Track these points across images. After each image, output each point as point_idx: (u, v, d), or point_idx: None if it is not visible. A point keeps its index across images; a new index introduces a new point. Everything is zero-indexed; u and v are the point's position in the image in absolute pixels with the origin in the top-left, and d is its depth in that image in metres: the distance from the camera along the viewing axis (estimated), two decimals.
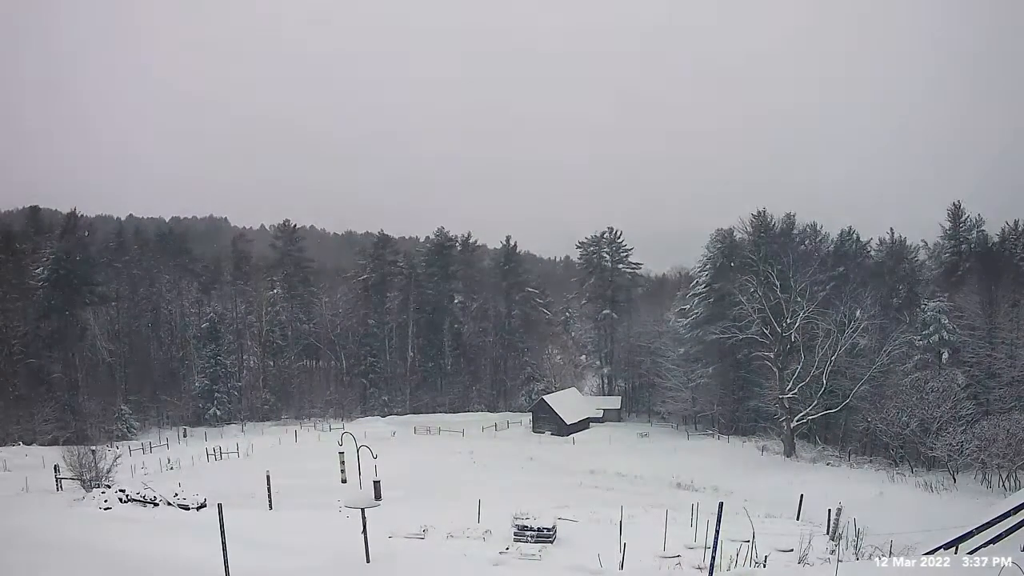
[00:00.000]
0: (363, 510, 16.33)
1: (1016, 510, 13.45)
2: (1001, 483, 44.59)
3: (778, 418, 62.37)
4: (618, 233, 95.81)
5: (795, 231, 79.30)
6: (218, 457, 53.67)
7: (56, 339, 71.56)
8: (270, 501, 30.63)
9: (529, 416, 77.28)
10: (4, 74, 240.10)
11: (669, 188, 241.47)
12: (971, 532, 13.82)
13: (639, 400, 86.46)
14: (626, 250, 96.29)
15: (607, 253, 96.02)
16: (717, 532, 12.72)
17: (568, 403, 76.85)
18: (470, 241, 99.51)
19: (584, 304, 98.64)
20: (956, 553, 13.50)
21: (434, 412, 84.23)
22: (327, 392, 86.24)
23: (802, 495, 29.63)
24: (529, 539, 21.68)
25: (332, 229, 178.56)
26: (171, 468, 47.43)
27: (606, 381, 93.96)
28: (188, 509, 26.08)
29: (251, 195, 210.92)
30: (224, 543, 12.54)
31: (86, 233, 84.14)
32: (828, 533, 24.56)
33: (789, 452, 59.84)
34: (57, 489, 33.02)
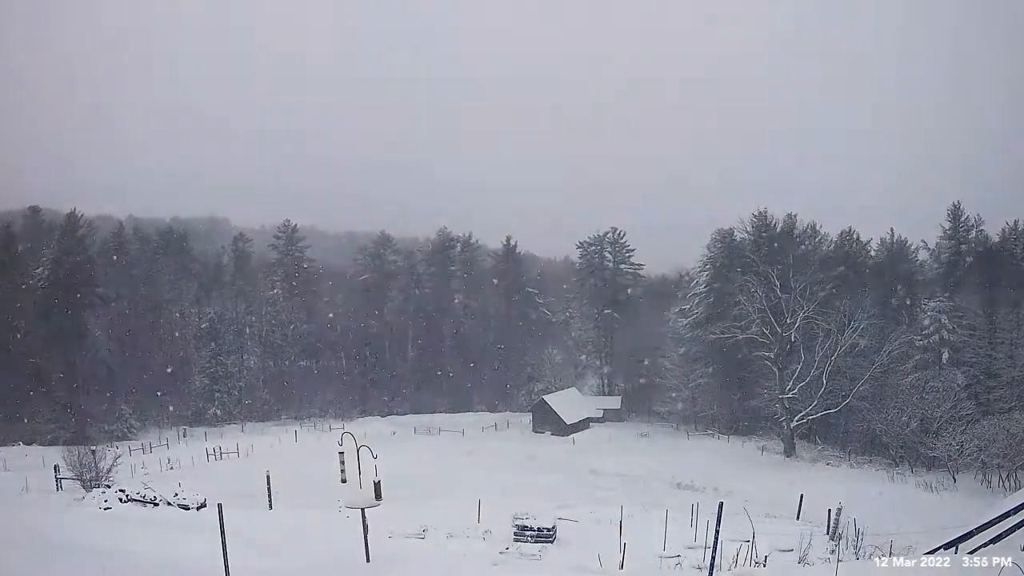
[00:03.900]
0: (363, 510, 16.35)
1: (1016, 510, 13.44)
2: (1001, 483, 44.65)
3: (778, 418, 62.38)
4: (621, 233, 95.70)
5: (795, 231, 79.29)
6: (218, 457, 53.72)
7: (56, 339, 71.45)
8: (270, 501, 30.67)
9: (529, 416, 77.24)
10: (4, 74, 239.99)
11: (670, 188, 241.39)
12: (971, 532, 13.82)
13: (639, 400, 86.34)
14: (629, 250, 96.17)
15: (609, 253, 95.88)
16: (717, 532, 12.73)
17: (568, 403, 76.82)
18: (471, 241, 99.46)
19: (584, 304, 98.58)
20: (956, 553, 13.49)
21: (434, 412, 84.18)
22: (327, 392, 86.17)
23: (802, 495, 29.66)
24: (529, 539, 21.68)
25: (332, 229, 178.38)
26: (171, 468, 47.48)
27: (606, 381, 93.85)
28: (188, 509, 26.11)
29: (251, 195, 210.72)
30: (224, 543, 12.55)
31: (86, 233, 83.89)
32: (828, 533, 24.60)
33: (789, 452, 59.87)
34: (57, 489, 33.04)
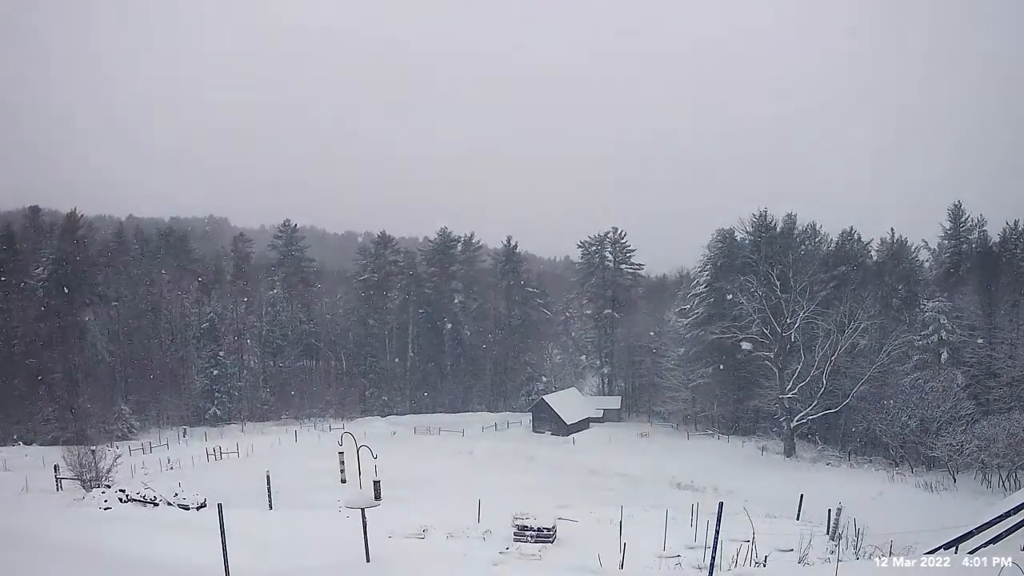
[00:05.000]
0: (363, 510, 16.34)
1: (1016, 510, 13.43)
2: (1001, 483, 44.65)
3: (778, 418, 62.40)
4: (622, 233, 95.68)
5: (795, 231, 79.28)
6: (218, 457, 53.68)
7: (56, 339, 71.47)
8: (270, 501, 30.68)
9: (529, 416, 77.24)
10: (4, 74, 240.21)
11: (670, 187, 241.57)
12: (971, 532, 13.80)
13: (639, 400, 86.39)
14: (630, 250, 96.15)
15: (610, 253, 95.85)
16: (717, 532, 12.72)
17: (568, 403, 76.81)
18: (472, 241, 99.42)
19: (584, 304, 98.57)
20: (956, 553, 13.48)
21: (434, 412, 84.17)
22: (327, 392, 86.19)
23: (802, 495, 29.64)
24: (529, 539, 21.68)
25: (332, 229, 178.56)
26: (171, 468, 47.46)
27: (606, 381, 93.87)
28: (188, 509, 26.13)
29: (251, 195, 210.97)
30: (224, 543, 12.54)
31: (86, 233, 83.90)
32: (828, 533, 24.60)
33: (789, 452, 59.86)
34: (57, 489, 33.00)
